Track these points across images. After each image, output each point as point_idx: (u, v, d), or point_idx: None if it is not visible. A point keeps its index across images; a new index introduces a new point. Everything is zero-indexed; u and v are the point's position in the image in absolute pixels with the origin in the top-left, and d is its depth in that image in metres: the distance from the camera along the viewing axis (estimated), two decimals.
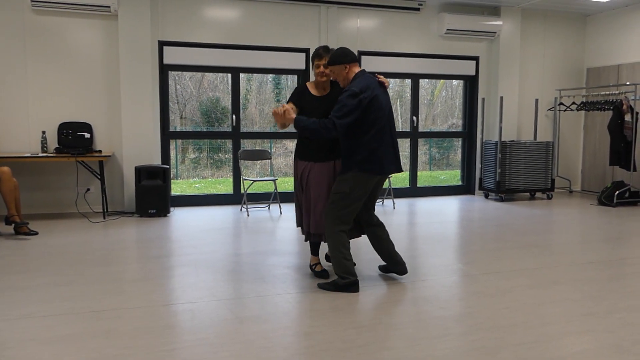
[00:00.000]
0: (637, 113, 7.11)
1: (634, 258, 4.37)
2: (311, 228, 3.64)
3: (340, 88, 3.54)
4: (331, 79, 3.61)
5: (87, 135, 6.19)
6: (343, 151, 3.45)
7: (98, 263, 4.13)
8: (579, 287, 3.58)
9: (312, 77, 7.15)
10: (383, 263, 3.90)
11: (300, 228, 3.84)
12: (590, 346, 2.62)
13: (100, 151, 6.19)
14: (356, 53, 7.28)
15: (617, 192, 7.03)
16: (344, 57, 3.40)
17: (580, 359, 2.47)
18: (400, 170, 3.55)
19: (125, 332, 2.76)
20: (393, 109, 3.61)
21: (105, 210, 6.16)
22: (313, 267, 3.88)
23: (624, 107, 7.05)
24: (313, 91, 3.67)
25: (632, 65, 7.65)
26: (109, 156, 6.17)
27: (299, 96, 3.64)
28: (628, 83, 7.25)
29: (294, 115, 3.34)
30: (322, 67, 3.56)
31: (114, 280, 3.69)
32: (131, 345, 2.61)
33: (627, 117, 7.06)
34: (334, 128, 3.23)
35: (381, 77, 3.51)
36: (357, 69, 3.45)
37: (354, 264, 3.58)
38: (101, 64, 6.32)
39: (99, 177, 6.09)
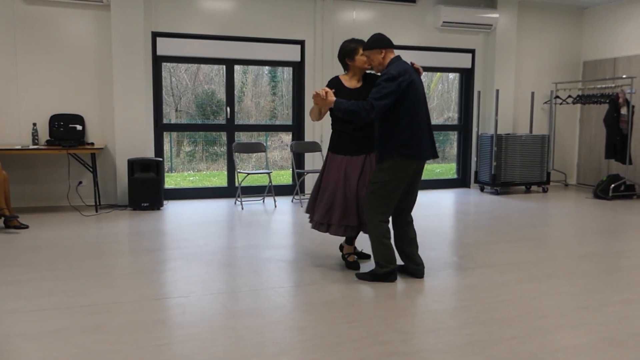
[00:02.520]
0: (633, 106, 7.09)
1: (629, 251, 4.35)
2: (359, 218, 3.66)
3: (373, 81, 3.62)
4: (367, 71, 3.70)
5: (79, 127, 6.12)
6: (380, 139, 3.46)
7: (89, 257, 4.08)
8: (573, 280, 3.57)
9: (310, 70, 7.10)
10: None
11: (309, 216, 3.87)
12: (585, 339, 2.60)
13: (92, 143, 6.12)
14: None
15: (613, 185, 7.02)
16: (380, 42, 3.45)
17: (575, 353, 2.45)
18: (436, 155, 3.57)
19: (115, 327, 2.72)
20: None
21: (98, 204, 6.10)
22: (346, 256, 3.91)
23: (620, 100, 7.03)
24: (347, 84, 3.71)
25: (628, 58, 7.62)
26: (102, 149, 6.11)
27: (335, 88, 3.67)
28: (624, 76, 7.22)
29: (334, 98, 3.40)
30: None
31: (104, 274, 3.64)
32: (121, 340, 2.57)
33: (623, 111, 7.04)
34: (372, 109, 3.27)
35: (416, 64, 3.52)
36: (392, 55, 3.48)
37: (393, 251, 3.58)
38: (93, 55, 6.24)
39: (91, 169, 6.03)
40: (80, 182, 6.31)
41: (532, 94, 8.00)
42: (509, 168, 7.47)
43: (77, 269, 3.74)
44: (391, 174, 3.38)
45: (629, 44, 7.65)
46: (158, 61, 6.58)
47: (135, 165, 6.06)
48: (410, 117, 3.36)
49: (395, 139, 3.37)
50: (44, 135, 6.12)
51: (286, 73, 7.67)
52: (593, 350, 2.48)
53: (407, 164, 3.39)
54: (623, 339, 2.61)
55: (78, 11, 6.15)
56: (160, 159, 6.23)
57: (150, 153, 6.54)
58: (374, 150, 3.66)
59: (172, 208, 6.24)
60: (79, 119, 6.16)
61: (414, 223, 3.76)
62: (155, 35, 6.45)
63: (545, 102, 8.31)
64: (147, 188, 6.04)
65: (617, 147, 7.12)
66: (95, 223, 5.35)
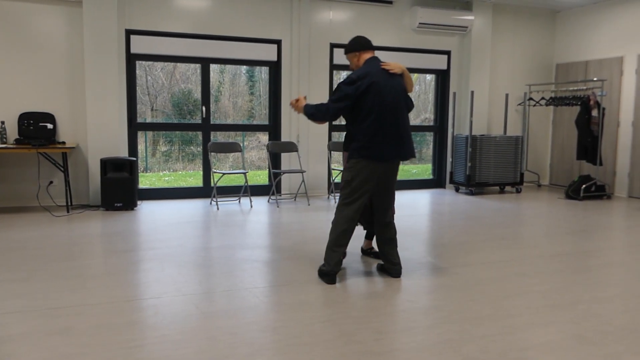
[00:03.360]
0: (603, 109, 7.25)
1: (599, 250, 4.44)
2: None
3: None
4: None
5: (49, 126, 5.99)
6: (345, 139, 3.52)
7: (59, 258, 3.99)
8: (544, 279, 3.62)
9: (287, 70, 7.08)
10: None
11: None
12: (554, 337, 2.64)
13: (63, 142, 5.99)
14: (327, 45, 7.23)
15: (584, 186, 7.16)
16: (354, 45, 3.50)
17: (544, 351, 2.48)
18: (404, 157, 3.49)
19: (83, 330, 2.66)
20: None
21: (69, 204, 5.98)
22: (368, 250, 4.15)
23: (591, 102, 7.17)
24: None
25: (599, 61, 7.79)
26: (73, 148, 5.99)
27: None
28: (595, 79, 7.38)
29: (304, 104, 3.49)
30: None
31: (74, 275, 3.56)
32: (89, 343, 2.51)
33: (594, 113, 7.19)
34: (327, 111, 3.37)
35: (387, 64, 3.46)
36: (367, 55, 3.50)
37: (344, 256, 3.61)
38: (65, 52, 6.12)
39: (63, 169, 5.90)
40: (51, 182, 6.18)
41: (506, 95, 8.11)
42: (483, 169, 7.56)
43: (46, 271, 3.65)
44: (353, 173, 3.41)
45: (600, 48, 7.82)
46: (132, 59, 6.48)
47: (108, 165, 5.96)
48: (372, 119, 3.35)
49: (356, 140, 3.39)
50: (12, 133, 5.97)
51: (264, 73, 7.63)
52: (562, 348, 2.52)
53: (368, 165, 3.39)
54: (591, 336, 2.65)
55: (49, 7, 6.01)
56: (134, 159, 6.14)
57: (123, 152, 6.43)
58: None
59: (147, 208, 6.15)
60: (50, 117, 6.03)
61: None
62: (129, 32, 6.35)
63: (519, 104, 8.44)
64: (120, 188, 5.95)
65: (588, 148, 7.27)
66: (66, 224, 5.24)
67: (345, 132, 3.55)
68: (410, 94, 3.64)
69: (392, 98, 3.42)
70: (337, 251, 3.47)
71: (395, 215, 3.69)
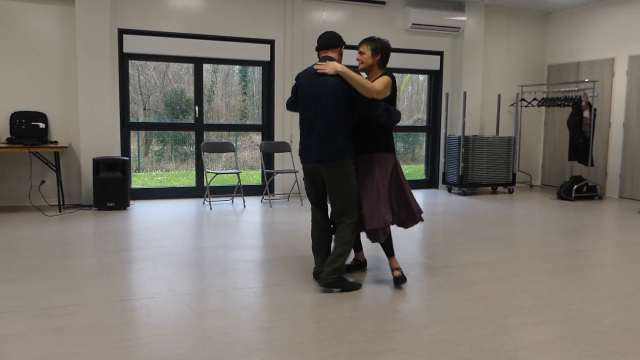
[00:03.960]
0: (595, 109, 7.30)
1: (591, 250, 4.48)
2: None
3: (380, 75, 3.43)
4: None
5: (41, 125, 5.95)
6: None
7: (51, 258, 3.97)
8: (537, 279, 3.64)
9: (280, 70, 7.07)
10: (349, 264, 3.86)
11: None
12: (546, 337, 2.66)
13: (56, 142, 5.95)
14: None
15: (575, 186, 7.22)
16: (317, 45, 3.48)
17: (537, 350, 2.50)
18: (319, 160, 3.26)
19: (76, 330, 2.65)
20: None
21: (61, 204, 5.94)
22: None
23: (583, 103, 7.23)
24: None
25: (590, 62, 7.85)
26: (65, 147, 5.95)
27: None
28: (587, 80, 7.43)
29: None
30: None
31: (67, 275, 3.55)
32: (82, 343, 2.50)
33: (586, 114, 7.24)
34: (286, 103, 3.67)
35: (320, 64, 3.31)
36: (321, 55, 3.44)
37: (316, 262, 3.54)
38: (57, 51, 6.08)
39: (55, 168, 5.86)
40: (43, 182, 6.14)
41: (499, 96, 8.16)
42: (475, 169, 7.60)
43: (39, 271, 3.63)
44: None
45: (592, 49, 7.88)
46: (125, 59, 6.45)
47: (101, 165, 5.93)
48: (300, 120, 3.44)
49: None
50: (4, 133, 5.93)
51: (257, 73, 7.63)
52: (555, 348, 2.54)
53: (303, 166, 3.47)
54: (583, 336, 2.67)
55: (41, 6, 5.98)
56: (127, 158, 6.11)
57: (116, 152, 6.40)
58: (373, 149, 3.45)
59: (139, 208, 6.13)
60: (42, 117, 5.99)
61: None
62: (122, 32, 6.32)
63: (512, 105, 8.49)
64: (112, 187, 5.92)
65: (579, 149, 7.32)
66: (58, 223, 5.21)
67: None
68: (402, 94, 3.58)
69: (314, 98, 3.28)
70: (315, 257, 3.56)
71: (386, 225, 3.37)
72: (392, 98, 3.46)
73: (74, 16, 6.00)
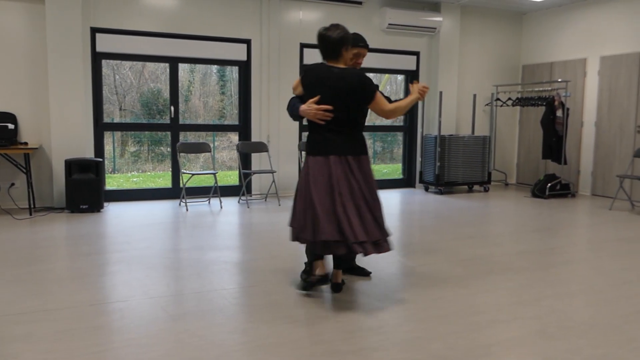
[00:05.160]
0: (568, 109, 7.43)
1: (562, 247, 4.56)
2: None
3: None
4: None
5: (10, 126, 5.81)
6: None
7: (20, 262, 3.88)
8: (510, 276, 3.69)
9: (257, 69, 7.04)
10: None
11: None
12: (518, 333, 2.69)
13: (26, 143, 5.82)
14: (297, 45, 7.22)
15: (549, 184, 7.34)
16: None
17: (508, 346, 2.53)
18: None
19: (45, 336, 2.60)
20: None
21: (32, 206, 5.82)
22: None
23: (556, 103, 7.35)
24: None
25: (564, 62, 7.99)
26: (36, 149, 5.83)
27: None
28: (560, 80, 7.56)
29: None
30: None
31: (36, 280, 3.47)
32: (52, 349, 2.45)
33: (559, 113, 7.37)
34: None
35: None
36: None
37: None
38: (26, 50, 5.95)
39: (25, 170, 5.74)
40: (13, 184, 6.00)
41: (474, 96, 8.25)
42: (452, 168, 7.67)
43: (6, 276, 3.55)
44: None
45: (565, 50, 8.02)
46: (98, 58, 6.35)
47: (73, 166, 5.82)
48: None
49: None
50: None
51: (235, 72, 7.58)
52: (526, 343, 2.57)
53: None
54: (553, 332, 2.72)
55: (9, 3, 5.84)
56: (100, 159, 6.01)
57: (89, 153, 6.29)
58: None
59: (113, 210, 6.04)
60: (11, 117, 5.86)
61: None
62: (94, 30, 6.22)
63: (487, 104, 8.59)
64: (86, 189, 5.82)
65: (553, 147, 7.45)
66: (29, 227, 5.10)
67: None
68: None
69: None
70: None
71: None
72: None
73: (44, 14, 5.88)
